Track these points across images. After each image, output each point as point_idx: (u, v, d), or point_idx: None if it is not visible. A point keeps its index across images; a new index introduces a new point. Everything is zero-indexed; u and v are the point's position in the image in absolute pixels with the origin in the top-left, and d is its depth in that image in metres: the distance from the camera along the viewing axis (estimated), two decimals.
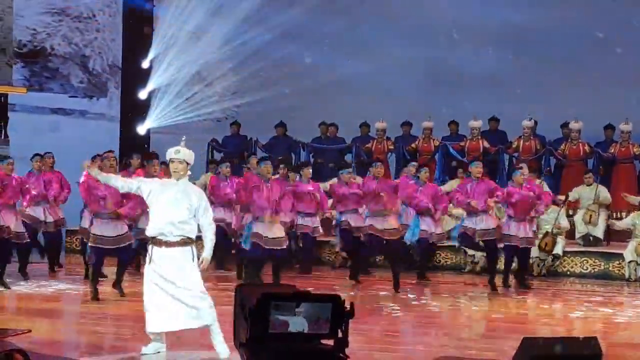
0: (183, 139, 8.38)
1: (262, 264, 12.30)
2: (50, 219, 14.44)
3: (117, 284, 11.99)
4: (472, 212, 13.24)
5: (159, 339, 8.30)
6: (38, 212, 14.30)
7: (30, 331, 9.33)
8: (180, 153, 8.24)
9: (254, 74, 20.93)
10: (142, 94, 19.76)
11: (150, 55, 19.70)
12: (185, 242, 8.12)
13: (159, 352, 8.29)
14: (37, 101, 18.43)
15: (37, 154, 14.67)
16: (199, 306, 8.07)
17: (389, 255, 13.60)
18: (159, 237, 8.11)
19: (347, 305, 4.69)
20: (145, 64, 19.83)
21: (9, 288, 12.54)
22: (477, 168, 13.44)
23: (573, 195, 15.96)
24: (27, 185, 13.28)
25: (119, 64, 19.57)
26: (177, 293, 8.04)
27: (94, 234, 11.71)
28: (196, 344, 8.64)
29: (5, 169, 12.83)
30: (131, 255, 12.31)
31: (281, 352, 4.68)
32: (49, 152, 15.02)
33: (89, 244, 11.87)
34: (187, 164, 8.26)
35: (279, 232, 12.25)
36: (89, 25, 19.27)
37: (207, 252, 8.23)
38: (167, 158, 8.33)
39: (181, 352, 8.49)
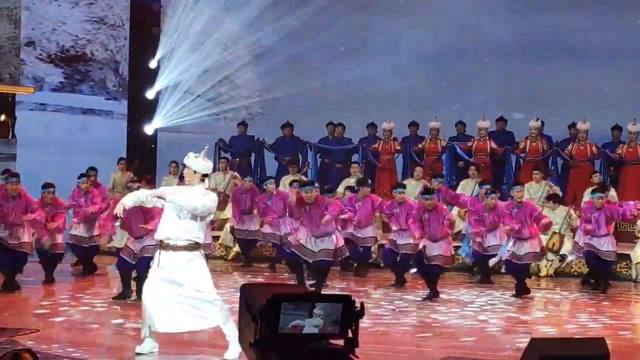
0: (206, 147, 8.37)
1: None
2: (90, 233, 14.50)
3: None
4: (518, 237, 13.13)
5: (153, 339, 8.32)
6: (82, 230, 14.41)
7: (38, 330, 9.38)
8: (189, 160, 8.25)
9: (262, 74, 21.00)
10: (150, 94, 19.81)
11: (158, 55, 19.73)
12: (192, 247, 8.14)
13: (152, 351, 8.32)
14: (69, 101, 19.83)
15: (83, 175, 14.85)
16: (206, 309, 8.09)
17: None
18: (166, 241, 8.13)
19: (357, 305, 4.71)
20: (152, 64, 19.86)
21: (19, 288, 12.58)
22: (519, 192, 13.28)
23: (585, 198, 15.90)
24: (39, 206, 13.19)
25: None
26: (183, 296, 8.06)
27: (130, 248, 11.75)
28: (189, 344, 8.67)
29: (10, 189, 12.72)
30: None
31: (291, 353, 4.69)
32: (91, 169, 15.49)
33: (123, 255, 11.88)
34: (194, 171, 8.22)
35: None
36: (120, 33, 20.45)
37: (136, 195, 8.28)
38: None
39: (174, 352, 8.52)
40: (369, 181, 15.89)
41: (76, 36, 19.84)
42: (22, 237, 12.62)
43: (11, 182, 12.81)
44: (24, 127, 18.60)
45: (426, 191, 13.37)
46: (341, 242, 13.13)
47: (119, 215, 8.68)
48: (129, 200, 8.31)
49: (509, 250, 13.10)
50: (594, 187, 14.40)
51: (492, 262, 13.97)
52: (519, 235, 12.97)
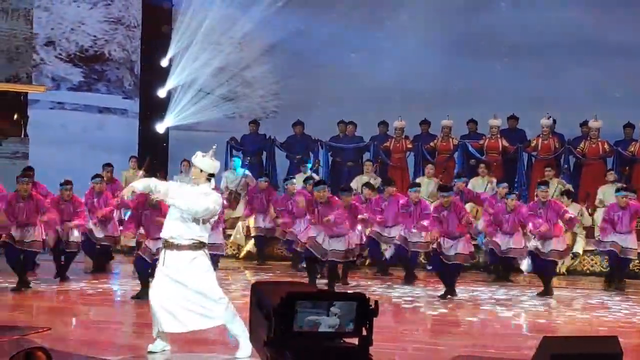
0: (214, 147, 8.37)
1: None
2: (104, 233, 14.56)
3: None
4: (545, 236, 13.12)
5: (164, 338, 8.35)
6: (98, 232, 14.48)
7: (50, 329, 9.41)
8: (196, 159, 8.24)
9: (272, 71, 21.03)
10: (162, 92, 19.87)
11: (170, 54, 19.78)
12: (197, 246, 8.14)
13: (164, 350, 8.35)
14: (87, 100, 20.34)
15: (97, 175, 14.97)
16: (211, 308, 8.10)
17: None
18: (170, 240, 8.15)
19: (372, 304, 4.71)
20: (164, 63, 19.90)
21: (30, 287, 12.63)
22: (543, 192, 13.33)
23: (599, 196, 15.92)
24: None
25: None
26: (188, 295, 8.08)
27: (149, 247, 11.75)
28: (201, 343, 8.69)
29: (20, 189, 12.76)
30: None
31: (305, 351, 4.69)
32: (107, 165, 15.74)
33: (141, 254, 11.90)
34: (200, 170, 8.20)
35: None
36: (135, 34, 20.80)
37: (147, 181, 8.28)
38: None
39: (187, 350, 8.55)
40: (393, 181, 15.81)
41: (94, 36, 20.25)
42: (32, 236, 12.66)
43: (22, 182, 12.84)
44: (42, 126, 18.59)
45: (443, 188, 13.34)
46: (354, 244, 13.12)
47: (126, 198, 8.60)
48: (140, 184, 8.35)
49: (534, 245, 13.13)
50: (618, 186, 14.41)
51: (524, 267, 14.04)
52: (546, 234, 12.97)
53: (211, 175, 8.27)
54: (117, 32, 20.47)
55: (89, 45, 20.29)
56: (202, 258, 8.15)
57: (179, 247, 8.11)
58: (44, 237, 12.84)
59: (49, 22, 19.94)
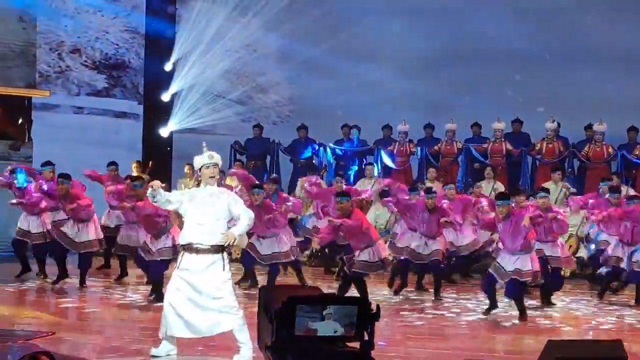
0: (204, 144, 8.37)
1: None
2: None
3: None
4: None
5: (171, 341, 8.33)
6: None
7: (54, 333, 9.40)
8: (214, 158, 8.25)
9: (278, 76, 21.04)
10: (165, 96, 19.88)
11: (173, 58, 19.76)
12: (216, 249, 8.12)
13: (169, 354, 8.32)
14: (104, 105, 21.33)
15: (112, 163, 15.56)
16: (222, 315, 8.08)
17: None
18: (190, 244, 8.13)
19: (373, 308, 4.70)
20: (168, 67, 19.90)
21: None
22: (542, 199, 12.35)
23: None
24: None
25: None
26: (202, 301, 8.06)
27: (148, 246, 11.86)
28: (205, 346, 8.68)
29: (59, 189, 13.05)
30: None
31: (307, 355, 4.69)
32: (111, 164, 15.80)
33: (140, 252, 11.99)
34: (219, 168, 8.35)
35: None
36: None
37: (236, 229, 8.26)
38: (200, 165, 8.29)
39: (190, 354, 8.53)
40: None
41: (117, 45, 21.12)
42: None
43: (60, 183, 13.02)
44: (63, 129, 19.78)
45: (500, 196, 12.06)
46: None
47: (155, 187, 8.36)
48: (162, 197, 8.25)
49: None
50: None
51: None
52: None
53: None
54: (134, 42, 21.21)
55: (112, 53, 21.16)
56: (219, 262, 8.13)
57: (198, 251, 8.10)
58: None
59: (76, 30, 20.76)
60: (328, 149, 18.64)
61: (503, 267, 11.22)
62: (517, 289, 11.22)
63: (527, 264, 11.12)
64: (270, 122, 20.97)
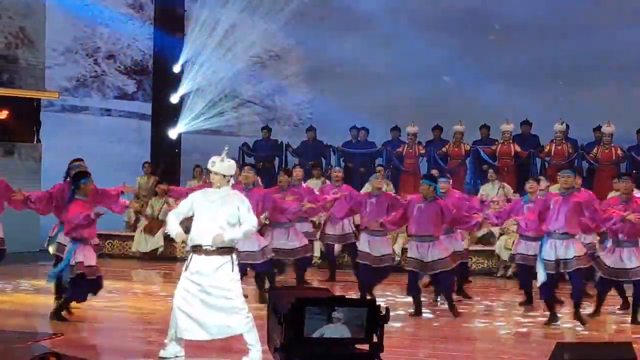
0: (226, 148, 8.37)
1: None
2: None
3: None
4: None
5: (179, 343, 8.32)
6: None
7: (62, 335, 9.41)
8: (215, 166, 8.24)
9: (286, 78, 21.07)
10: (174, 98, 19.91)
11: (182, 59, 19.79)
12: (225, 251, 8.13)
13: (177, 356, 8.32)
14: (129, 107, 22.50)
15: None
16: (231, 317, 8.07)
17: None
18: (199, 246, 8.12)
19: (382, 310, 4.69)
20: (176, 68, 19.92)
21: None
22: (530, 187, 12.18)
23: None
24: None
25: None
26: (212, 301, 8.06)
27: None
28: (213, 349, 8.68)
29: (83, 188, 11.45)
30: None
31: (316, 357, 4.69)
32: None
33: None
34: (223, 175, 8.22)
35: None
36: None
37: (231, 232, 8.14)
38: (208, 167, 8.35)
39: (197, 356, 8.53)
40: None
41: (144, 51, 22.01)
42: None
43: (84, 183, 12.37)
44: (89, 130, 20.92)
45: None
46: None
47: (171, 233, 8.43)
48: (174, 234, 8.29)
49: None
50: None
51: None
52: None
53: (231, 176, 8.33)
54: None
55: (140, 59, 22.16)
56: (228, 264, 8.13)
57: (207, 252, 8.10)
58: None
59: (110, 37, 22.02)
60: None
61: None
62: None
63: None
64: (291, 124, 21.13)
